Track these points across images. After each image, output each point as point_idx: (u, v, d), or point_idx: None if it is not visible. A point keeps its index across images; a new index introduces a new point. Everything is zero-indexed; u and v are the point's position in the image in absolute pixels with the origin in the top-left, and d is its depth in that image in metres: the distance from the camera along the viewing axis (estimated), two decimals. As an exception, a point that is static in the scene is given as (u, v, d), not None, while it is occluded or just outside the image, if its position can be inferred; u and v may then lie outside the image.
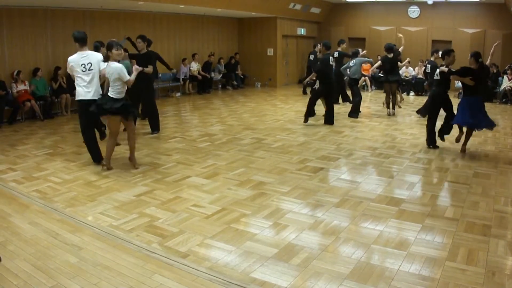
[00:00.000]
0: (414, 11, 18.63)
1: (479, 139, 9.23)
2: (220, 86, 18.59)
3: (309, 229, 4.71)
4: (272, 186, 6.14)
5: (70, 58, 6.86)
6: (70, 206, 5.32)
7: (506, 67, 15.33)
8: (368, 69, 17.69)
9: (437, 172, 6.92)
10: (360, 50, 13.07)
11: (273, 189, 6.01)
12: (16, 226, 4.72)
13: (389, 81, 11.98)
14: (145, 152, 7.94)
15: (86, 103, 6.77)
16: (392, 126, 10.65)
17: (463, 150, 8.09)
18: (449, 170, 6.99)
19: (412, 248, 4.24)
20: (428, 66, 10.81)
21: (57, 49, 12.20)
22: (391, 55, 11.84)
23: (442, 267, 3.86)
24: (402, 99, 14.12)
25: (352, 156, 7.85)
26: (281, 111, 12.67)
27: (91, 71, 6.78)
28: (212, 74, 17.60)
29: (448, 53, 7.99)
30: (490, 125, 7.86)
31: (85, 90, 6.79)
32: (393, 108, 12.25)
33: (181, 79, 16.24)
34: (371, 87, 18.10)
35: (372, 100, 15.57)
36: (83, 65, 6.75)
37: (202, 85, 16.87)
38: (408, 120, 11.63)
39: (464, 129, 8.03)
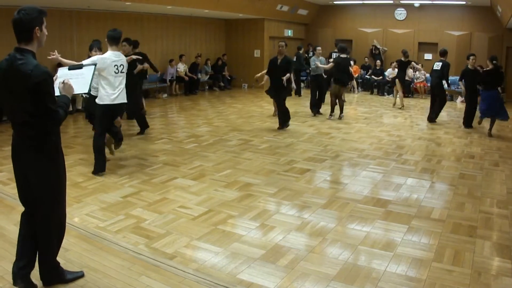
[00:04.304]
0: (400, 14, 18.75)
1: (465, 141, 9.32)
2: (207, 87, 18.57)
3: (296, 230, 4.72)
4: (259, 187, 6.14)
5: (104, 56, 6.37)
6: (55, 208, 5.27)
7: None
8: (356, 71, 17.90)
9: (423, 173, 6.96)
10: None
11: (260, 190, 6.01)
12: (1, 227, 4.66)
13: (341, 82, 11.92)
14: (132, 153, 7.90)
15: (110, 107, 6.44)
16: (378, 127, 10.70)
17: (489, 134, 9.97)
18: (435, 172, 7.04)
19: (398, 249, 4.26)
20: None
21: (43, 49, 12.03)
22: (344, 56, 11.84)
23: (428, 268, 3.89)
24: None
25: (339, 157, 7.88)
26: (268, 112, 12.65)
27: (122, 73, 6.47)
28: (199, 75, 17.56)
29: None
30: (503, 116, 9.84)
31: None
32: (342, 112, 11.99)
33: (168, 80, 16.20)
34: (357, 89, 18.22)
35: (358, 102, 15.64)
36: (116, 66, 6.34)
37: (189, 86, 16.83)
38: (395, 121, 11.70)
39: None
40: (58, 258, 3.49)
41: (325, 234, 4.62)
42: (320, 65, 12.20)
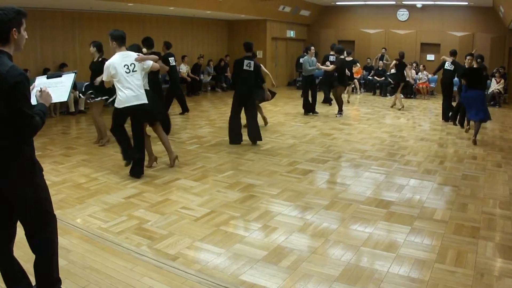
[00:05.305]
0: (403, 14, 18.75)
1: (467, 142, 9.29)
2: (209, 88, 18.56)
3: (299, 232, 4.71)
4: (261, 188, 6.13)
5: (111, 61, 6.18)
6: (58, 209, 5.26)
7: (494, 70, 15.48)
8: (358, 72, 17.90)
9: (426, 174, 6.94)
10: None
11: (262, 191, 6.00)
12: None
13: (346, 83, 12.08)
14: (134, 154, 7.89)
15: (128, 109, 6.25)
16: (381, 128, 10.69)
17: (474, 141, 9.12)
18: (438, 172, 7.02)
19: (401, 250, 4.25)
20: None
21: (46, 50, 12.12)
22: (344, 56, 11.93)
23: (431, 269, 3.88)
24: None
25: (341, 158, 7.87)
26: (270, 113, 12.60)
27: (135, 71, 6.22)
28: (202, 76, 17.57)
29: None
30: (484, 118, 9.18)
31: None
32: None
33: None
34: (360, 89, 18.21)
35: (361, 103, 15.63)
36: (126, 66, 6.16)
37: (192, 87, 16.83)
38: (398, 122, 11.69)
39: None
40: (60, 259, 3.49)
41: (327, 235, 4.61)
42: (321, 67, 12.31)
